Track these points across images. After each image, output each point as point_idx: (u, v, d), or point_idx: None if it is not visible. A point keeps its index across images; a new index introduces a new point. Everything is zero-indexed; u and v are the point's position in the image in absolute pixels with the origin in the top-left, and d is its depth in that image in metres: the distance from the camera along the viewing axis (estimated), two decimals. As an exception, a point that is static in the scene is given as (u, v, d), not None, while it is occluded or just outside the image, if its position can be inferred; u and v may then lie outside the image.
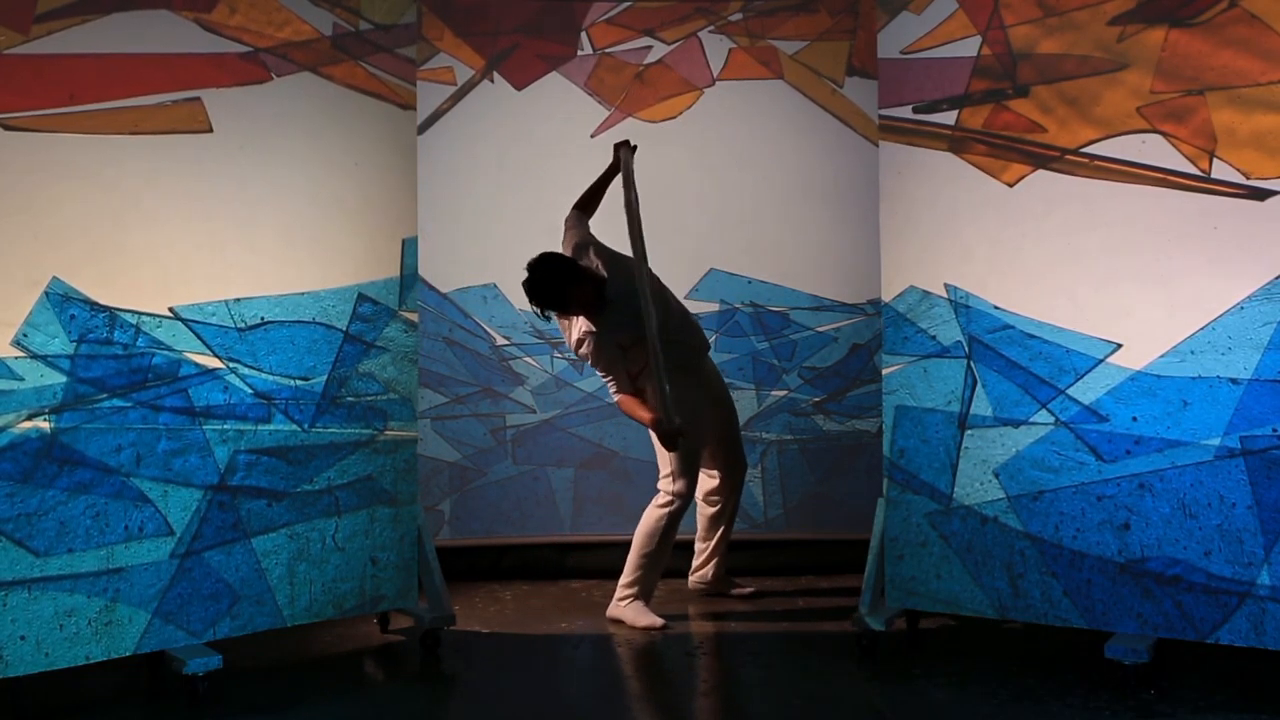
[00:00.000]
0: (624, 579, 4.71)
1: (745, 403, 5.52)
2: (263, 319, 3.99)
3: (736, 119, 5.53)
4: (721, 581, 5.08)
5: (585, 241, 4.70)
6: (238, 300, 3.94)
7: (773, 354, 5.55)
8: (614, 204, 4.78)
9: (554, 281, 4.50)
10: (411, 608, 4.35)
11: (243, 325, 3.95)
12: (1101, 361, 3.89)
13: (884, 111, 4.27)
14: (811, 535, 5.50)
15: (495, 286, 5.51)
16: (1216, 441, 3.71)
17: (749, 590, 5.05)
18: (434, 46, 5.42)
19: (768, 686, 4.01)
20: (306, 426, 4.07)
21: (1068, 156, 3.96)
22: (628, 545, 5.37)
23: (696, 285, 5.53)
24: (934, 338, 4.15)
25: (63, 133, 3.63)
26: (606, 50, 5.52)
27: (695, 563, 5.14)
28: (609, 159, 5.05)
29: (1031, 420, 3.99)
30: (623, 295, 4.53)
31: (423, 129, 5.27)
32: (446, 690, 4.12)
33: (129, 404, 3.72)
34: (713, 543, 5.06)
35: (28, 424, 3.54)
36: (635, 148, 4.71)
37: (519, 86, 5.52)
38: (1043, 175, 4.00)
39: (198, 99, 3.88)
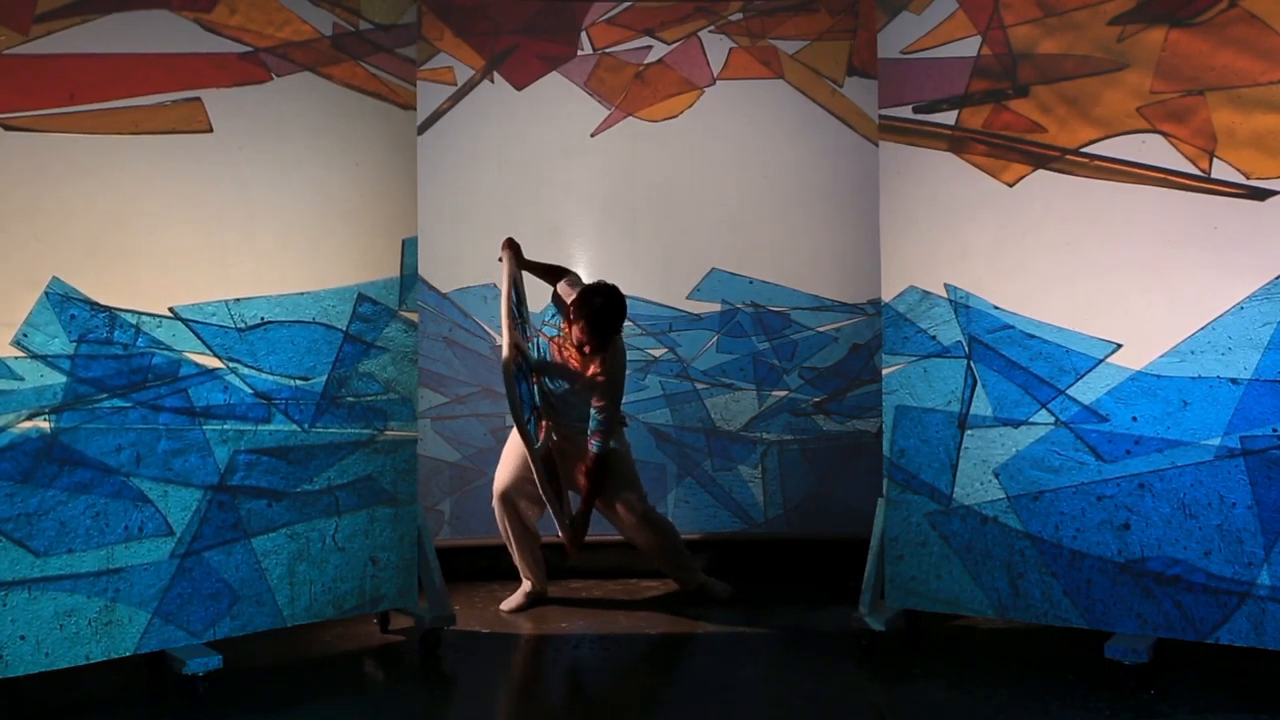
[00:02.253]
0: None
1: (746, 402, 5.53)
2: (263, 319, 3.99)
3: (736, 119, 5.53)
4: (694, 589, 5.08)
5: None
6: (238, 300, 3.94)
7: (773, 354, 5.55)
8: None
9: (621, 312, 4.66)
10: (411, 608, 4.35)
11: (243, 325, 3.95)
12: (1101, 361, 3.89)
13: (884, 111, 4.27)
14: (811, 535, 5.50)
15: (495, 286, 5.50)
16: (1216, 441, 3.71)
17: (725, 591, 5.04)
18: (434, 46, 5.42)
19: (768, 686, 4.01)
20: (306, 426, 4.06)
21: (1068, 156, 3.96)
22: (627, 545, 5.39)
23: (698, 285, 5.53)
24: (934, 338, 4.15)
25: (63, 133, 3.63)
26: (606, 50, 5.52)
27: None
28: (609, 159, 5.06)
29: (1031, 420, 3.99)
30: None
31: (423, 129, 5.27)
32: (446, 690, 4.12)
33: (129, 404, 3.72)
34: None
35: (28, 424, 3.54)
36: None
37: (519, 86, 5.52)
38: (1043, 175, 4.00)
39: (198, 99, 3.88)
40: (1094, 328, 3.91)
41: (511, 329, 4.60)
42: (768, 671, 4.18)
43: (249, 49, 3.98)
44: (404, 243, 4.32)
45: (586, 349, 4.61)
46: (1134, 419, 3.84)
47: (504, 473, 4.89)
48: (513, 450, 4.90)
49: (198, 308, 3.87)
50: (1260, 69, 3.66)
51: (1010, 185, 4.05)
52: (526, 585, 4.93)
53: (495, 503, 4.90)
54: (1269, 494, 3.64)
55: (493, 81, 5.50)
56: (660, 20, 5.51)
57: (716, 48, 5.53)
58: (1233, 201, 3.70)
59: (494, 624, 4.69)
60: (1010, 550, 4.01)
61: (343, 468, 4.15)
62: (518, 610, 4.85)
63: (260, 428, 3.97)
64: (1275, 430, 3.63)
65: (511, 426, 4.94)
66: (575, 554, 4.80)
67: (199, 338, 3.86)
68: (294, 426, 4.04)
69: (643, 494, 4.94)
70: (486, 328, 5.50)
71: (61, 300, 3.61)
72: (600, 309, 4.54)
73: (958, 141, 4.12)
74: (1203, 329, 3.73)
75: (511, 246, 4.77)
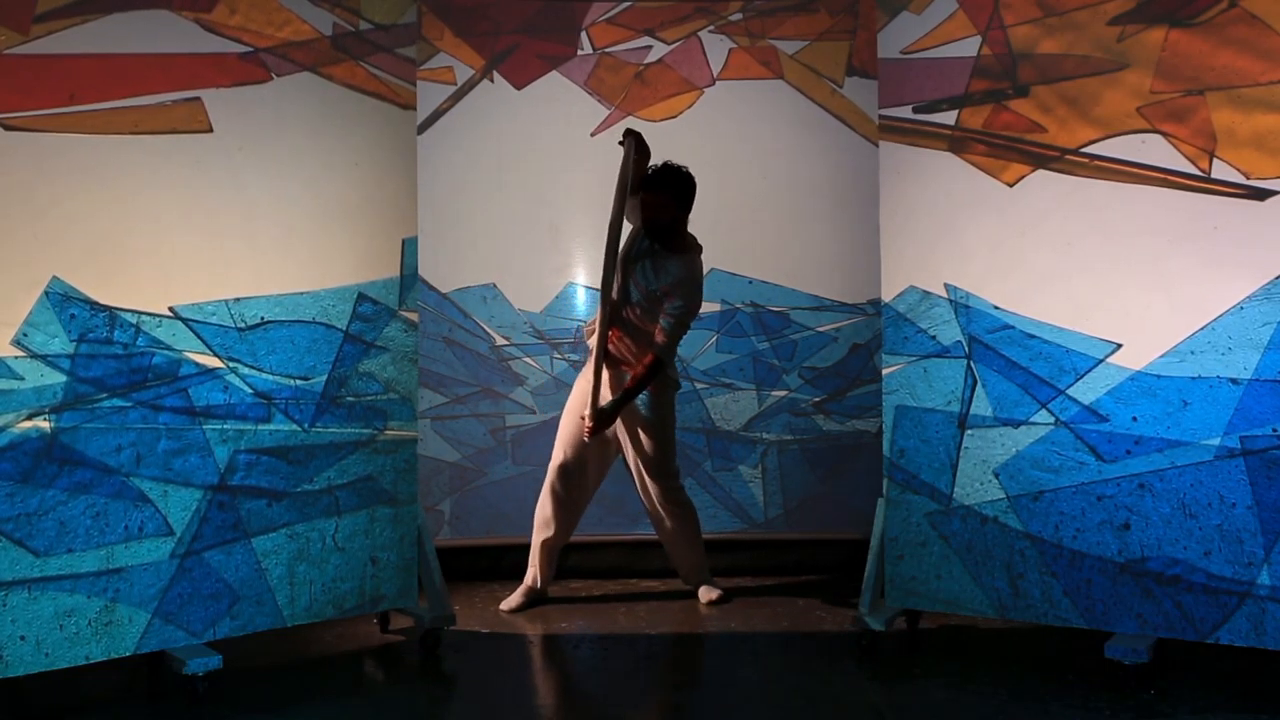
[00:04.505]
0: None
1: (746, 402, 5.53)
2: (263, 319, 3.99)
3: (736, 119, 5.53)
4: (694, 583, 5.07)
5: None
6: (238, 300, 3.94)
7: (773, 354, 5.55)
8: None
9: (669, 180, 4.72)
10: (411, 608, 4.35)
11: (243, 325, 3.95)
12: (1101, 361, 3.89)
13: (884, 111, 4.27)
14: (811, 535, 5.50)
15: (495, 286, 5.50)
16: (1216, 441, 3.71)
17: (716, 595, 5.00)
18: (434, 46, 5.42)
19: (768, 686, 4.01)
20: (306, 426, 4.06)
21: (1068, 156, 3.96)
22: (628, 545, 5.39)
23: (696, 285, 5.53)
24: (934, 338, 4.15)
25: (63, 133, 3.63)
26: (606, 50, 5.52)
27: None
28: (609, 159, 5.04)
29: (1031, 420, 3.99)
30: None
31: (423, 129, 5.27)
32: (446, 690, 4.12)
33: (129, 404, 3.72)
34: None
35: (28, 424, 3.54)
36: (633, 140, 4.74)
37: (519, 86, 5.52)
38: (1043, 175, 4.00)
39: (198, 99, 3.88)
40: (1094, 328, 3.91)
41: (621, 203, 4.65)
42: (768, 671, 4.18)
43: (249, 49, 3.98)
44: (404, 243, 4.32)
45: (658, 219, 4.67)
46: (1134, 419, 3.84)
47: (560, 451, 4.86)
48: (569, 431, 4.84)
49: (198, 307, 3.87)
50: (1260, 69, 3.66)
51: (1010, 185, 4.05)
52: (528, 581, 4.92)
53: (548, 477, 4.88)
54: (1269, 494, 3.64)
55: (493, 81, 5.50)
56: (660, 20, 5.51)
57: (716, 48, 5.53)
58: (1233, 201, 3.71)
59: (494, 624, 4.69)
60: (1010, 550, 4.02)
61: (343, 468, 4.15)
62: (518, 610, 4.84)
63: (260, 428, 3.97)
64: (1275, 430, 3.63)
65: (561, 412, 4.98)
66: (589, 438, 4.72)
67: (199, 337, 3.86)
68: (294, 426, 4.04)
69: (676, 469, 4.90)
70: (486, 327, 5.50)
71: (61, 300, 3.61)
72: (661, 172, 4.67)
73: (958, 141, 4.12)
74: (1203, 329, 3.73)
75: (634, 135, 4.72)
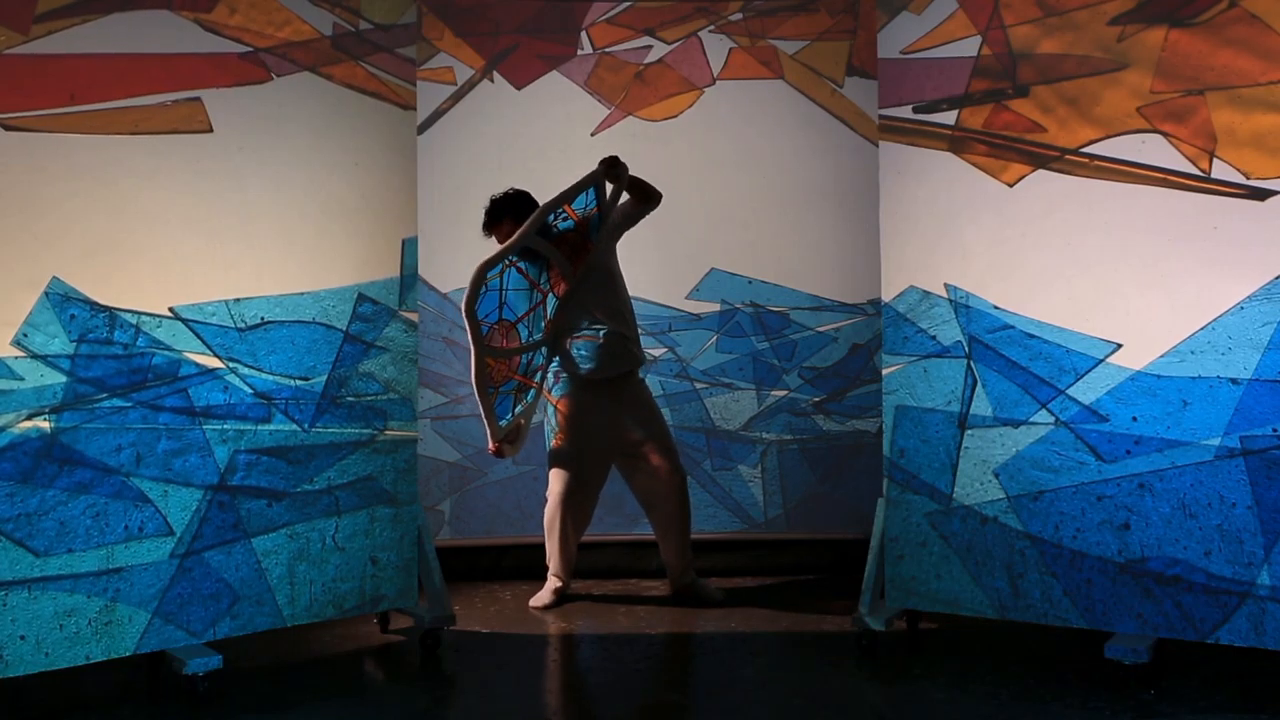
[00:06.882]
0: None
1: (746, 402, 5.53)
2: (263, 319, 3.99)
3: (736, 119, 5.53)
4: (684, 586, 5.05)
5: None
6: (238, 300, 3.94)
7: (773, 354, 5.55)
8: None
9: (502, 205, 4.87)
10: (411, 608, 4.35)
11: (243, 325, 3.95)
12: (1101, 361, 3.89)
13: (884, 111, 4.27)
14: (811, 535, 5.50)
15: (495, 286, 5.49)
16: (1216, 441, 3.71)
17: (717, 596, 5.00)
18: (434, 46, 5.42)
19: (768, 686, 4.01)
20: (306, 426, 4.06)
21: (1068, 156, 3.96)
22: (627, 545, 5.39)
23: (697, 285, 5.53)
24: (934, 338, 4.15)
25: (63, 133, 3.63)
26: (606, 50, 5.53)
27: None
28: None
29: (1031, 420, 3.99)
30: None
31: (423, 129, 5.27)
32: (446, 690, 4.12)
33: (129, 404, 3.72)
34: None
35: (28, 424, 3.54)
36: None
37: (519, 86, 5.52)
38: (1043, 175, 4.00)
39: (198, 99, 3.88)
40: (1094, 328, 3.91)
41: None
42: (768, 671, 4.18)
43: (249, 49, 3.98)
44: (404, 243, 4.32)
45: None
46: (1134, 419, 3.84)
47: (560, 472, 4.90)
48: (570, 451, 4.88)
49: (198, 308, 3.87)
50: (1260, 69, 3.66)
51: (1010, 185, 4.05)
52: (556, 582, 4.97)
53: (554, 499, 4.91)
54: (1269, 494, 3.64)
55: (493, 81, 5.50)
56: (660, 20, 5.52)
57: (716, 48, 5.53)
58: (1233, 201, 3.71)
59: (494, 624, 4.69)
60: (1010, 550, 4.01)
61: (343, 468, 4.15)
62: (548, 608, 4.88)
63: (260, 428, 3.97)
64: (1275, 430, 3.63)
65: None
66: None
67: (199, 338, 3.86)
68: (294, 426, 4.04)
69: (674, 448, 4.93)
70: (486, 328, 5.49)
71: (61, 300, 3.61)
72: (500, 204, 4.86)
73: (958, 141, 4.12)
74: (1203, 329, 3.73)
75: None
